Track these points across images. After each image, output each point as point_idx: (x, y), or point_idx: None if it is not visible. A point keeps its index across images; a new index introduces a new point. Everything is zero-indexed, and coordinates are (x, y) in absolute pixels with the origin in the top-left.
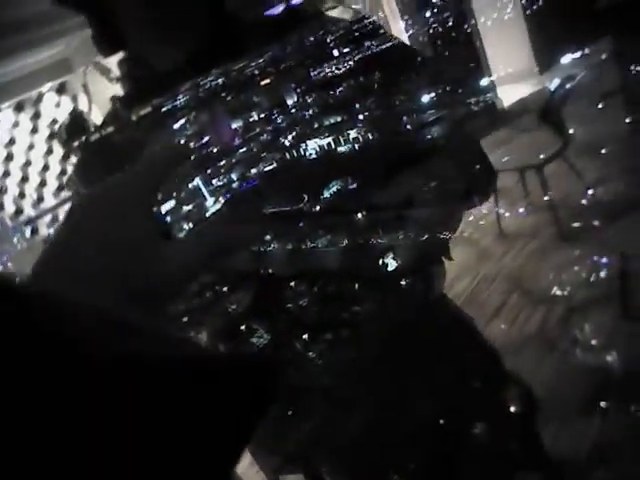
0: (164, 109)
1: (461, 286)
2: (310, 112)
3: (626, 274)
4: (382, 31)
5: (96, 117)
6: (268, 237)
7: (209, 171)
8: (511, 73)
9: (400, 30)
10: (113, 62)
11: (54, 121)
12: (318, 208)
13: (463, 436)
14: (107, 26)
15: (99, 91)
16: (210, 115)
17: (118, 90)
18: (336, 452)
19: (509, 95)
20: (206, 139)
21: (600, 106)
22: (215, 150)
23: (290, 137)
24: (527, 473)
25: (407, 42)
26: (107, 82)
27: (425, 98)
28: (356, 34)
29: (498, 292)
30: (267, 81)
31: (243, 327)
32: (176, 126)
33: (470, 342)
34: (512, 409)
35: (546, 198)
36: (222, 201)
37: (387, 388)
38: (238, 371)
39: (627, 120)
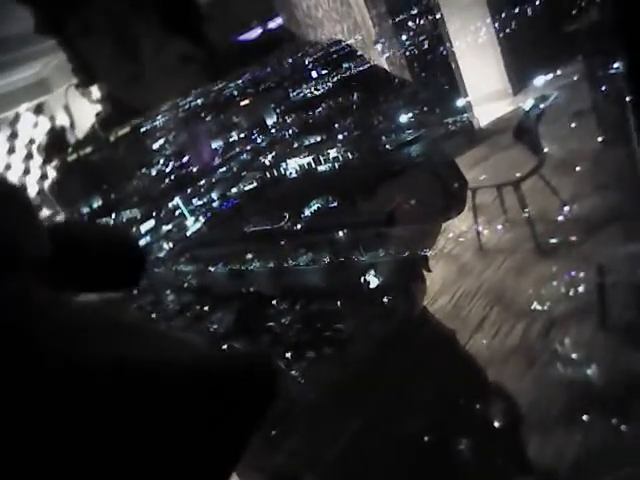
0: (143, 129)
1: (442, 301)
2: (290, 132)
3: (603, 287)
4: (359, 53)
5: (77, 137)
6: (249, 256)
7: (189, 190)
8: (486, 94)
9: (377, 53)
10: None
11: (31, 141)
12: (299, 227)
13: (448, 452)
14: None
15: (80, 111)
16: (190, 135)
17: (99, 110)
18: (320, 470)
19: (485, 115)
20: (186, 159)
21: (573, 125)
22: (195, 170)
23: (270, 156)
24: None
25: (385, 65)
26: (88, 103)
27: (403, 118)
28: (334, 56)
29: (479, 307)
30: (246, 102)
31: (225, 347)
32: (155, 146)
33: (453, 358)
34: (496, 424)
35: (524, 214)
36: (202, 220)
37: (371, 406)
38: (240, 372)
39: (599, 139)
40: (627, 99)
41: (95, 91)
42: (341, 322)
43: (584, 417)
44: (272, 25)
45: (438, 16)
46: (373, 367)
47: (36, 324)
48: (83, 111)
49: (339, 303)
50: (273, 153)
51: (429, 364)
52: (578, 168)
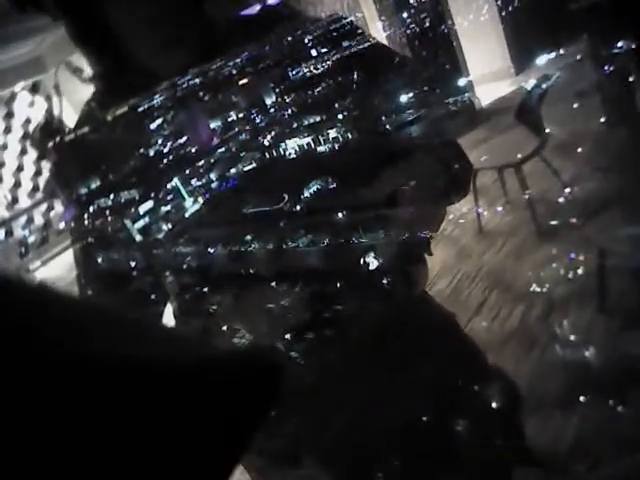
0: (140, 109)
1: (442, 284)
2: (289, 112)
3: (603, 270)
4: (360, 31)
5: (69, 117)
6: (248, 237)
7: (187, 171)
8: (488, 73)
9: (378, 31)
10: (84, 62)
11: (28, 121)
12: (298, 208)
13: (446, 433)
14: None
15: (72, 91)
16: (188, 115)
17: (91, 90)
18: (320, 451)
19: (486, 95)
20: (184, 139)
21: (575, 106)
22: (193, 150)
23: (269, 137)
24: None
25: (385, 43)
26: (79, 82)
27: (403, 98)
28: (334, 34)
29: (479, 289)
30: (245, 81)
31: (225, 327)
32: (153, 126)
33: (452, 340)
34: (494, 405)
35: (524, 196)
36: (201, 201)
37: (370, 387)
38: (243, 367)
39: (602, 119)
40: (630, 79)
41: (87, 68)
42: (340, 303)
43: (581, 399)
44: (272, 1)
45: None
46: (372, 349)
47: (38, 320)
48: (74, 93)
49: (338, 284)
50: (272, 133)
51: (428, 346)
52: (580, 149)
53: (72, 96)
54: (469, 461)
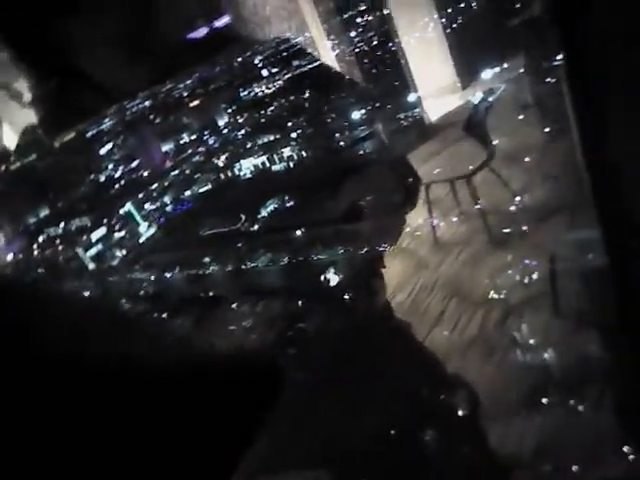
0: (89, 134)
1: (402, 296)
2: (242, 132)
3: (554, 274)
4: (309, 51)
5: (10, 143)
6: (206, 259)
7: (141, 195)
8: (436, 89)
9: (327, 50)
10: (24, 85)
11: None
12: (256, 227)
13: (416, 445)
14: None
15: (12, 116)
16: (138, 138)
17: (30, 115)
18: (291, 468)
19: (435, 110)
20: (136, 163)
21: (521, 117)
22: (146, 174)
23: (223, 158)
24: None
25: (334, 62)
26: (19, 107)
27: (355, 115)
28: (284, 54)
29: (438, 300)
30: (196, 102)
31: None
32: (103, 151)
33: (413, 351)
34: (460, 412)
35: (476, 207)
36: (156, 225)
37: (336, 404)
38: (245, 368)
39: (546, 130)
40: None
41: (26, 92)
42: (303, 321)
43: (543, 400)
44: (219, 24)
45: (386, 12)
46: (336, 364)
47: (42, 322)
48: (14, 118)
49: (300, 302)
50: (226, 154)
51: (390, 359)
52: (527, 159)
53: (13, 121)
54: (439, 471)
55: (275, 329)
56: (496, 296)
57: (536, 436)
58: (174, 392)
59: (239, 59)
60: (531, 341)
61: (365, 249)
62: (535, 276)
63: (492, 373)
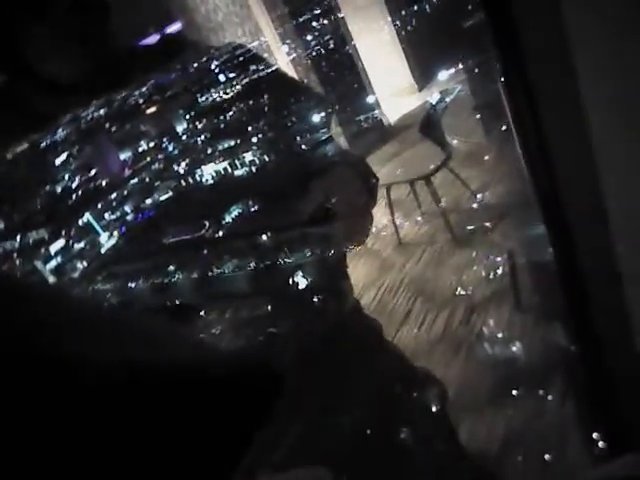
0: (43, 144)
1: (368, 297)
2: (202, 138)
3: (514, 269)
4: (265, 56)
5: None
6: (171, 268)
7: (100, 205)
8: (393, 91)
9: (282, 55)
10: None
11: None
12: (221, 234)
13: (392, 442)
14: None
15: None
16: (95, 147)
17: None
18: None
19: (393, 112)
20: (93, 172)
21: (478, 117)
22: (104, 183)
23: (184, 164)
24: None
25: (290, 66)
26: None
27: (316, 118)
28: (240, 59)
29: (403, 299)
30: (153, 109)
31: None
32: (58, 161)
33: (384, 350)
34: (433, 409)
35: (437, 207)
36: (117, 235)
37: (309, 406)
38: (246, 369)
39: (502, 129)
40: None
41: None
42: (274, 326)
43: (512, 392)
44: (171, 30)
45: (340, 16)
46: (309, 368)
47: (47, 323)
48: None
49: (269, 307)
50: (187, 160)
51: (363, 359)
52: (486, 157)
53: None
54: (414, 467)
55: (244, 335)
56: (463, 293)
57: (506, 428)
58: (173, 392)
59: (195, 65)
60: (499, 335)
61: (332, 251)
62: (500, 271)
63: (459, 369)
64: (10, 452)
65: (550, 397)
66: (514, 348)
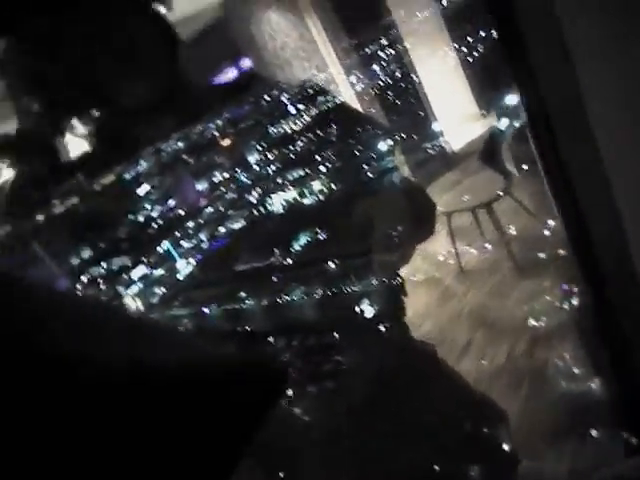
0: (127, 176)
1: (428, 326)
2: (273, 168)
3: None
4: (331, 88)
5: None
6: (242, 294)
7: (178, 234)
8: (457, 118)
9: (348, 86)
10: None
11: None
12: (290, 261)
13: None
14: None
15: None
16: (174, 179)
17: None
18: None
19: (457, 139)
20: (172, 202)
21: None
22: (182, 213)
23: (255, 193)
24: None
25: (356, 97)
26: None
27: (383, 146)
28: (309, 92)
29: (464, 329)
30: (227, 141)
31: None
32: (141, 192)
33: (451, 382)
34: (506, 448)
35: (500, 234)
36: (193, 262)
37: (378, 437)
38: (248, 369)
39: None
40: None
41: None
42: (340, 354)
43: (593, 433)
44: (241, 68)
45: (406, 45)
46: (375, 397)
47: (54, 321)
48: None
49: (336, 335)
50: (258, 190)
51: (431, 391)
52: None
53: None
54: None
55: (311, 363)
56: (530, 323)
57: (569, 465)
58: (173, 393)
59: (267, 98)
60: (575, 370)
61: (397, 279)
62: (575, 302)
63: (521, 403)
64: (11, 451)
65: (634, 441)
66: (592, 384)
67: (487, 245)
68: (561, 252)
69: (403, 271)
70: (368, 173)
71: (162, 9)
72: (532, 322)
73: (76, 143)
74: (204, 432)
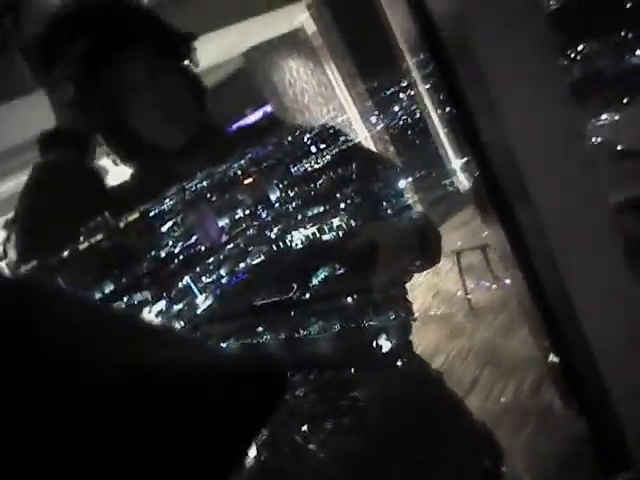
0: (151, 214)
1: (437, 363)
2: (293, 205)
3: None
4: (350, 129)
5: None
6: (260, 329)
7: (198, 269)
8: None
9: (364, 128)
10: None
11: None
12: (308, 296)
13: None
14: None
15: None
16: (197, 216)
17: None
18: None
19: (468, 179)
20: (194, 239)
21: None
22: (203, 248)
23: (275, 230)
24: None
25: (372, 138)
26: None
27: (402, 183)
28: (330, 132)
29: (472, 367)
30: (250, 180)
31: None
32: (164, 229)
33: (469, 419)
34: None
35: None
36: (212, 297)
37: (396, 475)
38: (249, 371)
39: None
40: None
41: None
42: (357, 389)
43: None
44: (262, 112)
45: (421, 89)
46: (392, 434)
47: (50, 323)
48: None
49: (353, 370)
50: (278, 226)
51: (450, 428)
52: None
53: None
54: None
55: (328, 398)
56: (536, 361)
57: None
58: (175, 393)
59: (289, 138)
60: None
61: (415, 315)
62: None
63: (526, 441)
64: (11, 451)
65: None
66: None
67: (496, 283)
68: None
69: (415, 307)
70: (386, 210)
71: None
72: (538, 359)
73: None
74: (204, 432)
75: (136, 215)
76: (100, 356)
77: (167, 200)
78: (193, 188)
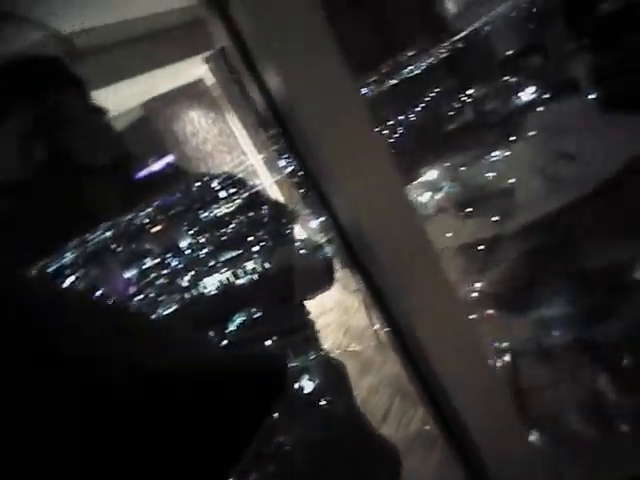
0: (50, 269)
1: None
2: (205, 251)
3: (515, 358)
4: (255, 175)
5: None
6: None
7: None
8: None
9: (268, 175)
10: None
11: None
12: (226, 342)
13: None
14: None
15: None
16: (100, 268)
17: None
18: None
19: None
20: (99, 293)
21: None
22: (110, 302)
23: (187, 277)
24: None
25: (276, 185)
26: None
27: (314, 224)
28: (238, 177)
29: (383, 399)
30: (158, 228)
31: None
32: (65, 285)
33: (387, 452)
34: None
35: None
36: None
37: None
38: (249, 369)
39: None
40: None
41: None
42: (281, 434)
43: None
44: (165, 163)
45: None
46: (320, 474)
47: (53, 323)
48: None
49: (276, 415)
50: (190, 274)
51: (371, 462)
52: (480, 248)
53: None
54: None
55: (252, 447)
56: None
57: None
58: (175, 393)
59: (197, 184)
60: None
61: (337, 350)
62: (508, 358)
63: (437, 467)
64: (11, 452)
65: None
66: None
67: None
68: (489, 312)
69: (327, 346)
70: (302, 249)
71: None
72: None
73: None
74: (203, 432)
75: (34, 272)
76: (104, 355)
77: (67, 254)
78: (95, 240)
